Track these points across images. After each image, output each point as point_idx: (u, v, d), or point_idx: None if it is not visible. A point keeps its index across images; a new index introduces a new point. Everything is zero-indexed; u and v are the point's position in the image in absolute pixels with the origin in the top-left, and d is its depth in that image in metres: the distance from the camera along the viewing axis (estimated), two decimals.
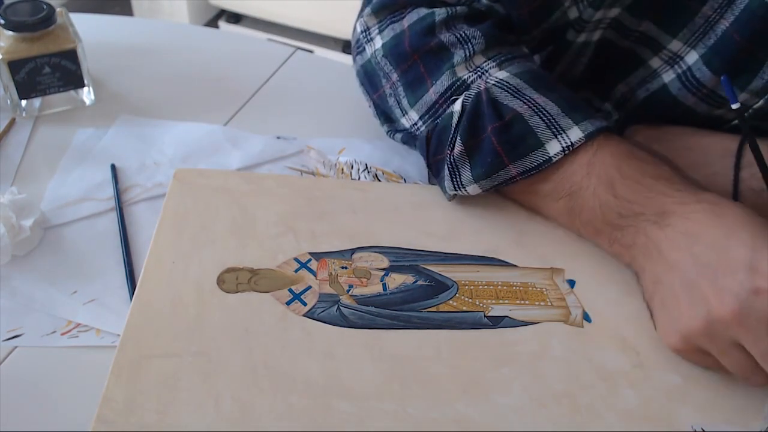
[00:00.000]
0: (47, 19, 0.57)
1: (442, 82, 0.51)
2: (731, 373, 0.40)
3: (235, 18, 2.21)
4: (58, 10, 0.59)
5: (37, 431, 0.38)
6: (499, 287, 0.45)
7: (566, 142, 0.46)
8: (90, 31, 0.63)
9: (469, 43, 0.51)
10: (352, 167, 0.56)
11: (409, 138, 0.55)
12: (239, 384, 0.38)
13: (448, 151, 0.49)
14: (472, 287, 0.45)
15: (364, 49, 0.58)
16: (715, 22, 0.49)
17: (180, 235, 0.46)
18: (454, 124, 0.49)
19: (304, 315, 0.42)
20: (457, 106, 0.50)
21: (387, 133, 0.57)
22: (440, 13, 0.53)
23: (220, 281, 0.44)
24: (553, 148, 0.46)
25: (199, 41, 0.76)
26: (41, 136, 0.59)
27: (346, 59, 0.66)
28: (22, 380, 0.41)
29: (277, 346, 0.40)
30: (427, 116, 0.52)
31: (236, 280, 0.44)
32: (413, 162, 0.58)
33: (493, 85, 0.49)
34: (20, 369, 0.41)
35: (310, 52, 1.97)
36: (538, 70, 0.51)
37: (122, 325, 0.40)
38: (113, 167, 0.55)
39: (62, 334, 0.43)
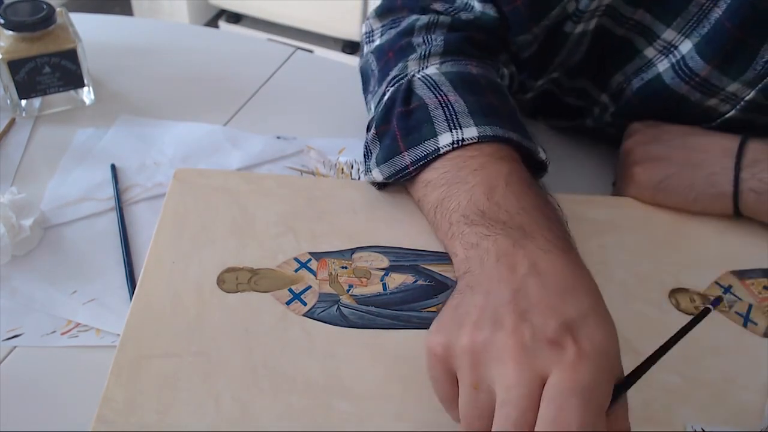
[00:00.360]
0: (47, 19, 0.57)
1: (392, 74, 0.53)
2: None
3: (235, 18, 2.21)
4: (58, 10, 0.59)
5: (37, 431, 0.38)
6: None
7: (458, 137, 0.45)
8: (90, 31, 0.63)
9: (429, 45, 0.52)
10: (352, 167, 0.56)
11: None
12: (239, 384, 0.38)
13: (367, 135, 0.51)
14: None
15: (365, 50, 0.59)
16: (709, 10, 0.49)
17: (180, 235, 0.46)
18: (378, 112, 0.51)
19: (304, 315, 0.42)
20: (387, 96, 0.51)
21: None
22: (423, 19, 0.54)
23: (220, 281, 0.44)
24: (444, 140, 0.45)
25: (199, 41, 0.76)
26: (41, 136, 0.59)
27: (346, 59, 0.66)
28: (22, 380, 0.41)
29: (277, 346, 0.40)
30: (375, 107, 0.54)
31: (236, 280, 0.44)
32: None
33: (419, 78, 0.50)
34: (20, 369, 0.41)
35: (310, 52, 1.97)
36: (476, 77, 0.50)
37: (122, 325, 0.40)
38: (113, 167, 0.55)
39: (62, 334, 0.43)
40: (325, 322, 0.42)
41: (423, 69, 0.51)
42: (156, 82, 0.67)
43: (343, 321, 0.42)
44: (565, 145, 0.64)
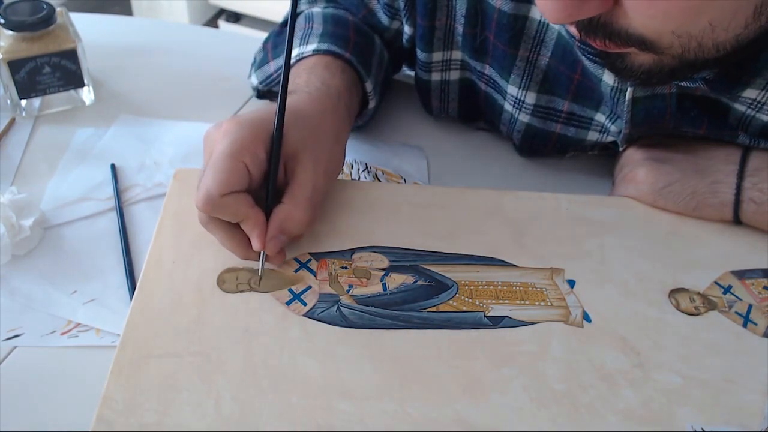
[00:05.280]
0: (47, 18, 0.57)
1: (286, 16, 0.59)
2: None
3: (235, 18, 2.21)
4: (58, 9, 0.59)
5: (37, 431, 0.38)
6: (499, 287, 0.45)
7: (301, 51, 0.55)
8: (90, 31, 0.63)
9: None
10: (352, 167, 0.56)
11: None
12: (239, 384, 0.38)
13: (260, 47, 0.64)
14: (472, 287, 0.45)
15: None
16: (535, 60, 0.52)
17: (180, 235, 0.46)
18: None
19: (304, 315, 0.42)
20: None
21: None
22: None
23: (220, 281, 0.44)
24: (294, 52, 0.55)
25: (199, 41, 0.76)
26: (41, 135, 0.59)
27: None
28: (22, 380, 0.41)
29: (277, 346, 0.40)
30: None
31: (236, 280, 0.44)
32: (413, 162, 0.58)
33: (305, 13, 0.60)
34: (20, 369, 0.41)
35: None
36: (347, 19, 0.59)
37: (122, 325, 0.40)
38: (113, 167, 0.55)
39: (62, 333, 0.43)
40: (325, 323, 0.42)
41: (311, 8, 0.61)
42: (156, 82, 0.67)
43: (343, 321, 0.42)
44: None
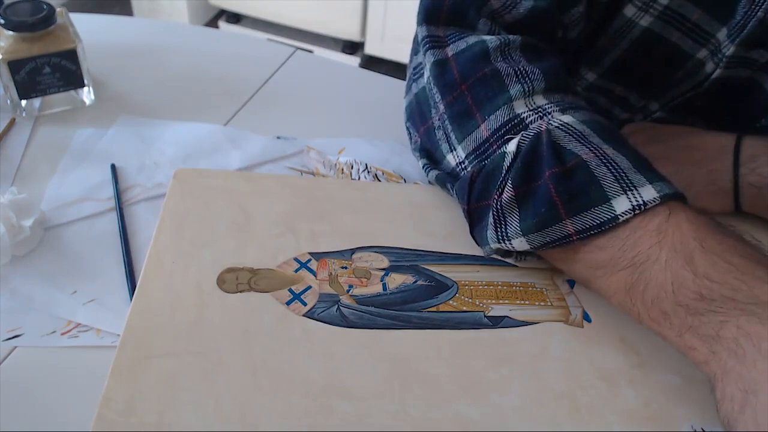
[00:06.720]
0: (47, 19, 0.57)
1: (497, 118, 0.44)
2: None
3: (235, 18, 2.21)
4: (58, 10, 0.59)
5: (37, 431, 0.38)
6: (499, 287, 0.45)
7: (638, 201, 0.38)
8: (90, 31, 0.63)
9: (528, 79, 0.45)
10: (352, 167, 0.56)
11: (447, 177, 0.49)
12: (239, 384, 0.38)
13: (496, 197, 0.42)
14: (472, 287, 0.45)
15: (422, 74, 0.51)
16: None
17: (180, 235, 0.46)
18: (506, 166, 0.42)
19: (304, 315, 0.42)
20: (511, 146, 0.43)
21: (423, 167, 0.52)
22: (493, 40, 0.47)
23: (220, 281, 0.44)
24: (622, 205, 0.38)
25: (199, 41, 0.76)
26: (41, 136, 0.59)
27: (346, 59, 0.66)
28: (22, 380, 0.41)
29: (277, 346, 0.40)
30: (474, 155, 0.46)
31: (236, 280, 0.44)
32: (413, 162, 0.58)
33: (556, 127, 0.42)
34: (20, 369, 0.41)
35: (310, 52, 1.97)
36: (608, 123, 0.44)
37: (122, 325, 0.40)
38: (113, 167, 0.55)
39: (62, 334, 0.43)
40: (325, 322, 0.42)
41: (547, 114, 0.43)
42: (156, 82, 0.67)
43: (343, 321, 0.42)
44: None
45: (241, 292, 0.43)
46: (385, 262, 0.46)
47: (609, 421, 0.38)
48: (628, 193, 0.38)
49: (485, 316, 0.43)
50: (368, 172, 0.56)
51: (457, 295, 0.45)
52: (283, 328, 0.41)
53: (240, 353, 0.40)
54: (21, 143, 0.58)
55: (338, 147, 0.59)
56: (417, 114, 0.52)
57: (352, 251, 0.47)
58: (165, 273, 0.44)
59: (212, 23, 2.22)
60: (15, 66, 0.57)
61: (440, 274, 0.46)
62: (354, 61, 2.10)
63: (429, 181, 0.52)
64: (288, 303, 0.43)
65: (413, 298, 0.44)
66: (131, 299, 0.43)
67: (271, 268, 0.45)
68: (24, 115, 0.60)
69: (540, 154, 0.41)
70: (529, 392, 0.39)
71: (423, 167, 0.52)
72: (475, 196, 0.45)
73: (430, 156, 0.51)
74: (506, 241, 0.42)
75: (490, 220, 0.43)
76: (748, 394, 0.32)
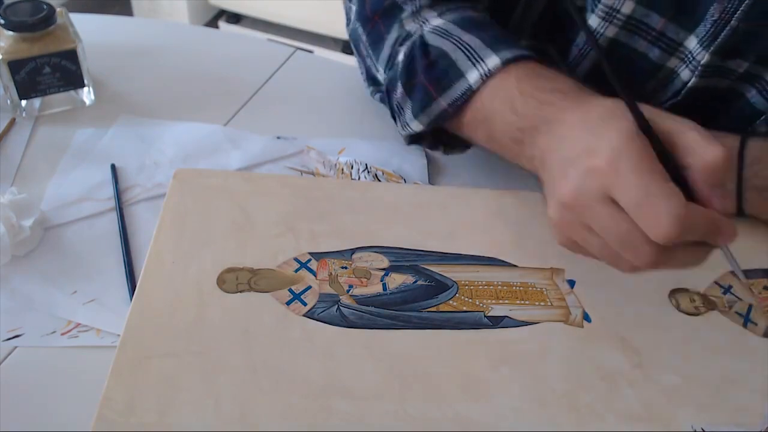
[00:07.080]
0: (47, 19, 0.57)
1: (392, 35, 0.55)
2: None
3: (235, 18, 2.21)
4: (58, 10, 0.59)
5: (37, 431, 0.38)
6: (499, 287, 0.45)
7: (484, 70, 0.48)
8: (90, 31, 0.63)
9: (415, 1, 0.55)
10: (352, 167, 0.56)
11: (384, 95, 0.58)
12: (239, 384, 0.38)
13: (395, 95, 0.54)
14: (472, 287, 0.45)
15: (350, 18, 0.61)
16: None
17: (180, 235, 0.46)
18: (399, 72, 0.53)
19: (304, 315, 0.42)
20: (400, 56, 0.54)
21: (371, 93, 0.62)
22: None
23: (220, 281, 0.44)
24: (473, 76, 0.48)
25: (199, 41, 0.76)
26: (41, 136, 0.59)
27: (346, 59, 0.67)
28: (22, 380, 0.41)
29: (277, 346, 0.40)
30: (385, 70, 0.56)
31: (236, 280, 0.44)
32: (413, 162, 0.58)
33: (429, 31, 0.53)
34: (20, 369, 0.41)
35: (310, 52, 1.97)
36: (479, 16, 0.53)
37: (122, 325, 0.41)
38: (113, 167, 0.55)
39: (62, 334, 0.43)
40: (325, 323, 0.42)
41: (425, 22, 0.54)
42: (156, 82, 0.67)
43: (343, 321, 0.42)
44: None
45: (241, 292, 0.43)
46: (385, 262, 0.46)
47: (609, 422, 0.38)
48: (477, 65, 0.49)
49: (485, 316, 0.43)
50: (368, 172, 0.56)
51: (457, 295, 0.45)
52: (283, 328, 0.41)
53: (240, 353, 0.40)
54: (21, 143, 0.58)
55: (338, 147, 0.59)
56: (355, 49, 0.61)
57: (352, 251, 0.47)
58: (165, 273, 0.44)
59: (212, 23, 2.21)
60: (15, 66, 0.57)
61: (440, 274, 0.46)
62: (354, 61, 2.10)
63: (372, 97, 0.62)
64: (288, 303, 0.43)
65: (413, 298, 0.44)
66: (131, 299, 0.43)
67: (271, 268, 0.45)
68: (24, 115, 0.60)
69: (414, 56, 0.52)
70: (529, 392, 0.39)
71: (371, 93, 0.61)
72: (392, 102, 0.56)
73: (375, 81, 0.60)
74: (407, 127, 0.54)
75: (394, 114, 0.55)
76: (546, 194, 0.42)
